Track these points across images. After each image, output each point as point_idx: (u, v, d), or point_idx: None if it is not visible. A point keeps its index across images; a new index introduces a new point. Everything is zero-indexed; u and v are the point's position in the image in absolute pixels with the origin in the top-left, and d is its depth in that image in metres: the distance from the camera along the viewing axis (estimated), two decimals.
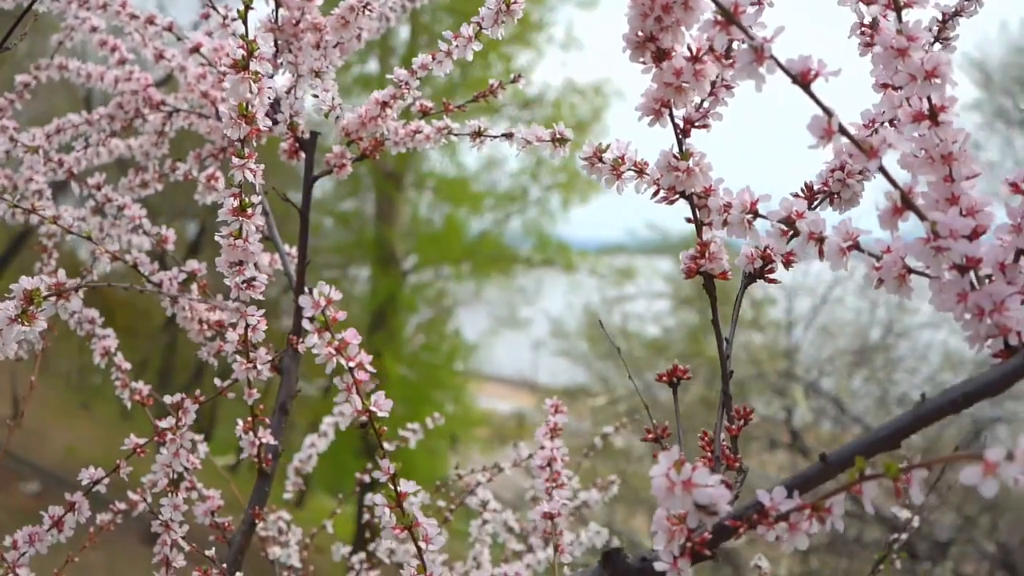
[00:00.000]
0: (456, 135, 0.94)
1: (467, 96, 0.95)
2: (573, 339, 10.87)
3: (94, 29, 1.19)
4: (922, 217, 0.50)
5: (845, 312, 7.47)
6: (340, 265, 11.99)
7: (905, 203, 0.50)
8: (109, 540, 1.17)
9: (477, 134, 0.92)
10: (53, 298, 0.65)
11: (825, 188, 0.67)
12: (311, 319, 0.59)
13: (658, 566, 0.54)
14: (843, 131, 0.49)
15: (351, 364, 0.61)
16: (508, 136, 0.88)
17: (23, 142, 1.10)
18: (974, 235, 0.52)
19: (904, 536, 1.11)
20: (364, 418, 0.62)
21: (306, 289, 0.59)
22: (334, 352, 0.60)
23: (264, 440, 0.95)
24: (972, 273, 0.51)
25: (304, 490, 1.47)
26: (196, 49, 1.06)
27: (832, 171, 0.67)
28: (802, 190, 0.68)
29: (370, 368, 0.61)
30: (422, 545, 0.63)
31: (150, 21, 1.08)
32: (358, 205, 12.01)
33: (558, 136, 0.83)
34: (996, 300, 0.49)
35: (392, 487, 0.63)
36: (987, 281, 0.51)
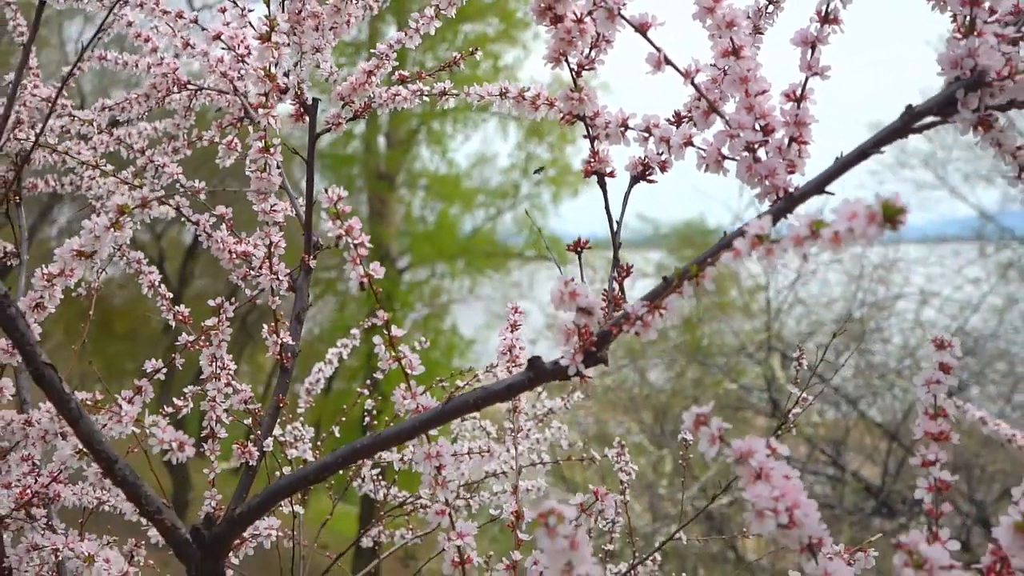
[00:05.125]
0: (427, 96, 1.21)
1: (458, 86, 1.21)
2: None
3: (130, 24, 1.45)
4: (722, 117, 0.76)
5: (831, 289, 7.80)
6: (336, 266, 12.26)
7: (711, 108, 0.77)
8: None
9: (443, 93, 1.19)
10: (139, 208, 0.90)
11: (689, 114, 0.93)
12: (327, 210, 0.85)
13: (563, 361, 0.80)
14: (667, 61, 0.76)
15: (356, 242, 0.87)
16: (467, 94, 1.15)
17: (80, 116, 1.36)
18: (765, 131, 0.78)
19: (799, 411, 1.37)
20: (364, 280, 0.88)
21: (319, 191, 0.85)
22: (344, 233, 0.86)
23: (285, 341, 1.21)
24: (760, 152, 0.77)
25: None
26: (217, 36, 1.32)
27: (693, 99, 0.93)
28: (673, 115, 0.94)
29: (368, 244, 0.87)
30: (408, 371, 0.89)
31: (179, 15, 1.34)
32: (352, 206, 12.23)
33: (504, 90, 1.08)
34: (769, 169, 0.76)
35: (386, 332, 0.89)
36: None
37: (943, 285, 8.09)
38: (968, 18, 0.69)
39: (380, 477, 1.68)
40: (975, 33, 0.69)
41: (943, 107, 0.70)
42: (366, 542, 1.68)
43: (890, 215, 0.53)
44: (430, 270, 12.44)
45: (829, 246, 0.57)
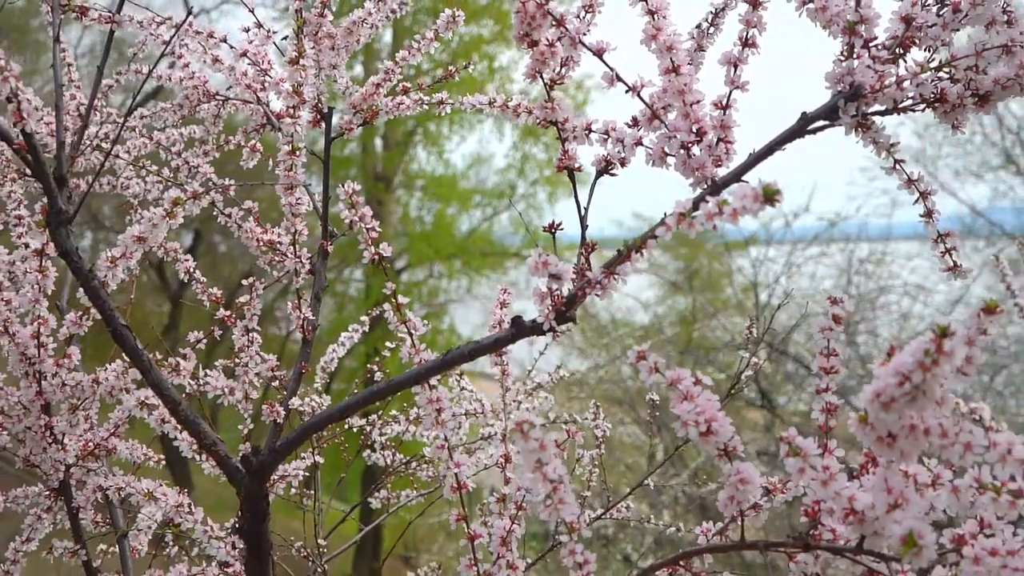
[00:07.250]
0: (427, 104, 1.40)
1: (453, 93, 1.42)
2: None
3: (165, 43, 1.65)
4: (662, 122, 0.96)
5: (820, 283, 8.02)
6: (335, 267, 12.46)
7: (653, 115, 0.96)
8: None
9: (441, 102, 1.38)
10: (191, 200, 1.10)
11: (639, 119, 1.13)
12: (343, 201, 1.05)
13: (538, 319, 0.99)
14: (618, 78, 0.96)
15: (368, 226, 1.06)
16: (461, 103, 1.34)
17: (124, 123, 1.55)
18: (699, 133, 0.98)
19: (750, 374, 1.57)
20: (375, 257, 1.07)
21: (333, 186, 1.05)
22: (358, 220, 1.06)
23: (307, 315, 1.41)
24: (694, 150, 0.97)
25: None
26: (244, 53, 1.51)
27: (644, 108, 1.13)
28: (631, 119, 1.13)
29: (377, 229, 1.07)
30: (413, 332, 1.09)
31: (210, 35, 1.54)
32: None
33: (492, 100, 1.28)
34: (700, 163, 0.95)
35: (394, 299, 1.09)
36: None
37: (932, 279, 8.30)
38: (848, 44, 0.89)
39: (389, 444, 1.88)
40: (853, 56, 0.89)
41: (829, 113, 0.89)
42: (375, 503, 1.88)
43: (769, 195, 0.73)
44: (428, 270, 12.61)
45: (730, 219, 0.77)
